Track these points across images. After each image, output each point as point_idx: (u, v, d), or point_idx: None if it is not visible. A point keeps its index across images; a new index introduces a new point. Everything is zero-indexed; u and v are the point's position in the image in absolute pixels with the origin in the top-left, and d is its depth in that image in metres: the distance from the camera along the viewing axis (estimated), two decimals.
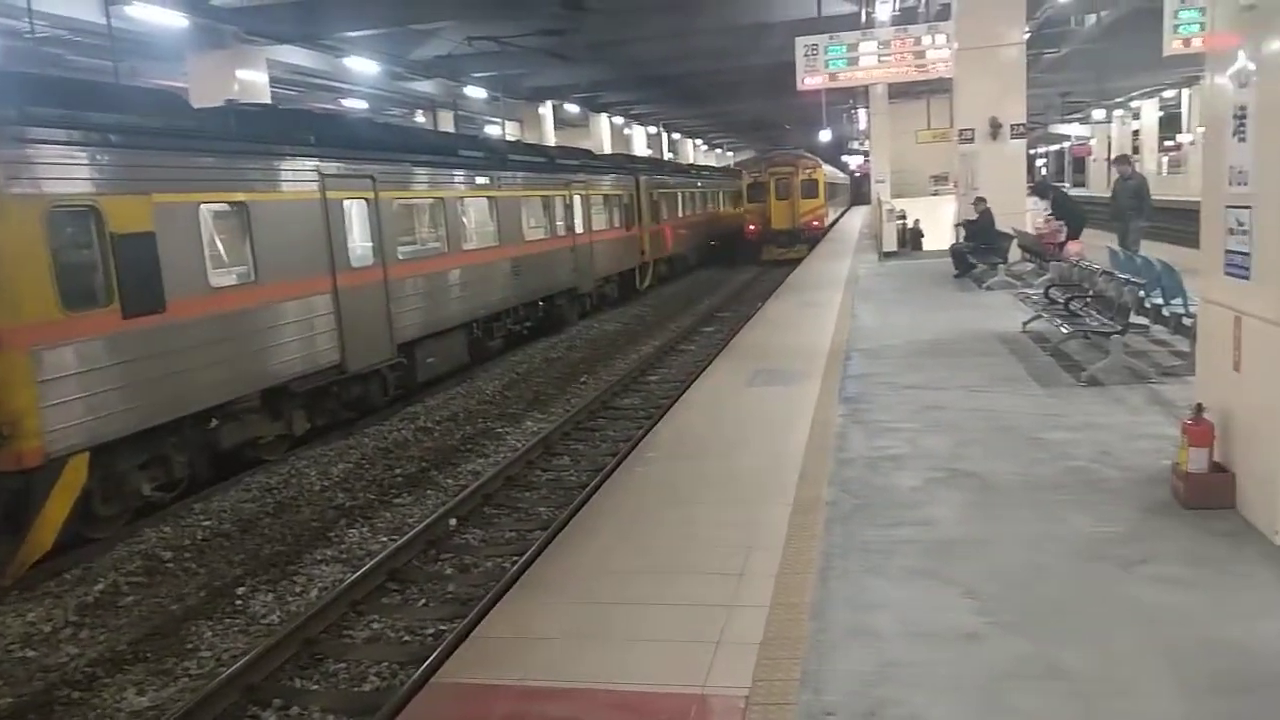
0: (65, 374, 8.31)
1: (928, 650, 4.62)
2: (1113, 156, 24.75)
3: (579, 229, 22.30)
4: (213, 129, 10.75)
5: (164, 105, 10.64)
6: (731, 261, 37.10)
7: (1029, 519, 6.27)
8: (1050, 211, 18.99)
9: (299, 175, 11.76)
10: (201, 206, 10.15)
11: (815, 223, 37.12)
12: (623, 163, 29.49)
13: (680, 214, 33.53)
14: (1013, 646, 4.60)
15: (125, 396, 8.92)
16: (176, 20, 19.24)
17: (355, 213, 13.09)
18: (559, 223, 21.13)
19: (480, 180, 17.21)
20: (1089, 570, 5.41)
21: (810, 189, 36.77)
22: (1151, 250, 15.47)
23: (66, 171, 8.46)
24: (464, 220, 16.60)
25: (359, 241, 13.10)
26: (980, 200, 20.76)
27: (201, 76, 22.45)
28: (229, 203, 10.65)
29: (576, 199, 22.27)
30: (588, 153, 28.01)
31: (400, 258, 14.01)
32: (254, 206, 10.88)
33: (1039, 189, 22.12)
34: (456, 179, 16.30)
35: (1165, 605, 4.93)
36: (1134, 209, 17.22)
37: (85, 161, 8.67)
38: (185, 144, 10.03)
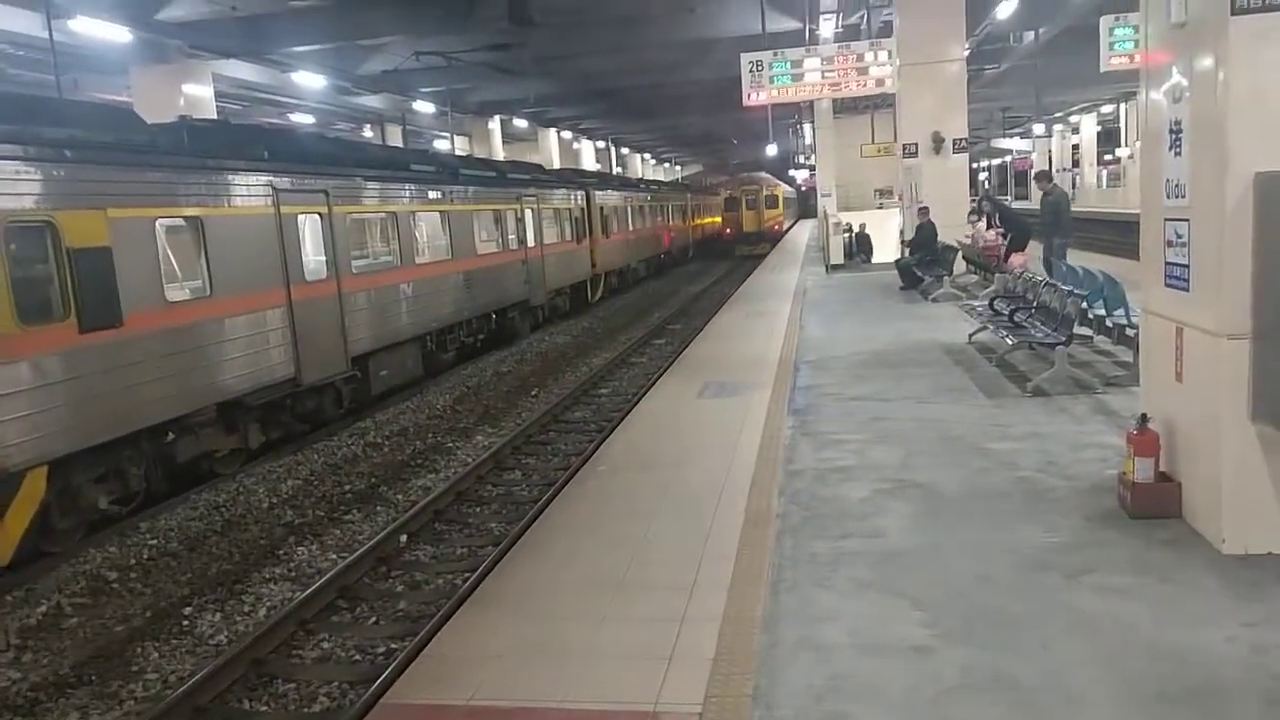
0: (23, 388, 8.25)
1: (877, 663, 4.65)
2: (1034, 172, 24.86)
3: (530, 242, 22.32)
4: (166, 144, 10.74)
5: (117, 120, 10.62)
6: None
7: (976, 529, 6.32)
8: (998, 225, 19.22)
9: (253, 190, 11.74)
10: (157, 221, 10.14)
11: (776, 226, 52.94)
12: (573, 177, 29.59)
13: (630, 227, 33.84)
14: (961, 657, 4.63)
15: (83, 410, 8.86)
16: (120, 35, 18.94)
17: (309, 227, 13.11)
18: (510, 236, 21.15)
19: (432, 194, 17.22)
20: (1037, 580, 5.45)
21: (772, 202, 53.09)
22: (1093, 262, 15.71)
23: (22, 187, 8.42)
24: (416, 234, 16.60)
25: (313, 255, 13.12)
26: (923, 210, 21.02)
27: (146, 91, 22.22)
28: (184, 217, 10.65)
29: (528, 213, 22.28)
30: (538, 167, 28.09)
31: (354, 271, 13.98)
32: (208, 221, 10.88)
33: (979, 209, 22.24)
34: (409, 193, 16.28)
35: (1113, 614, 4.98)
36: (1053, 224, 17.29)
37: (40, 177, 8.63)
38: (140, 159, 10.02)
